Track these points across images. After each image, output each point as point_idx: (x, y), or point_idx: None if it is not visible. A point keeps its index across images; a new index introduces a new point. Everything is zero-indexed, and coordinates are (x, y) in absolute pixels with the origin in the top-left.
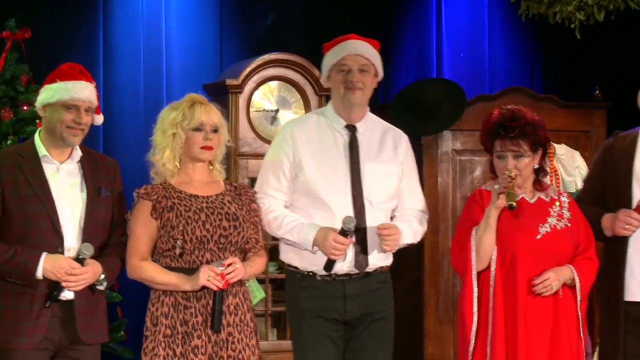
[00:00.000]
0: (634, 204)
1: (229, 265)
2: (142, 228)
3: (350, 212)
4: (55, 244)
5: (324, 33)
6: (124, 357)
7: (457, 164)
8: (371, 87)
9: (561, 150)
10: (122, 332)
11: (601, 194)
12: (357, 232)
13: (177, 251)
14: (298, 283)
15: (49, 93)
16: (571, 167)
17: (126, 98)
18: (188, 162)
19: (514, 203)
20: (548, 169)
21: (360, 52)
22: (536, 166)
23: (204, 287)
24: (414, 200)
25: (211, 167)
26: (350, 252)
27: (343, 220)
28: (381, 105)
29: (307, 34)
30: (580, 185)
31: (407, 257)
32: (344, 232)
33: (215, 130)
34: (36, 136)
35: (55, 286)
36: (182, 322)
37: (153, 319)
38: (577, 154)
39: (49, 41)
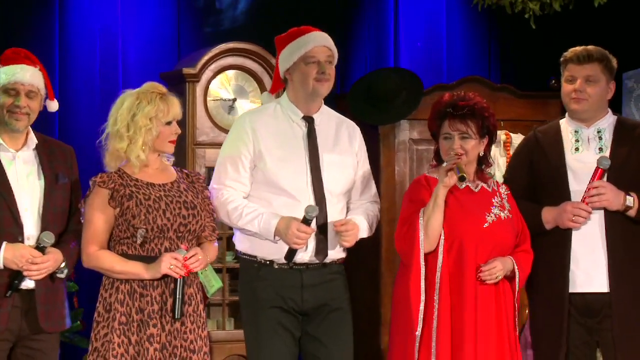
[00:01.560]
0: (573, 196)
1: (192, 255)
2: (100, 216)
3: (311, 201)
4: (15, 233)
5: (281, 22)
6: (80, 346)
7: (414, 153)
8: (334, 78)
9: (517, 139)
10: (79, 322)
11: (531, 189)
12: (318, 222)
13: (139, 240)
14: (255, 273)
15: None
16: None
17: (81, 86)
18: (151, 154)
19: (465, 174)
20: (492, 162)
21: (326, 43)
22: (481, 153)
23: (164, 275)
24: (368, 192)
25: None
26: (311, 242)
27: (306, 209)
28: (338, 95)
29: (265, 23)
30: None
31: (365, 247)
32: (306, 221)
33: (178, 122)
34: None
35: (16, 275)
36: (138, 310)
37: (106, 305)
38: None
39: (3, 29)
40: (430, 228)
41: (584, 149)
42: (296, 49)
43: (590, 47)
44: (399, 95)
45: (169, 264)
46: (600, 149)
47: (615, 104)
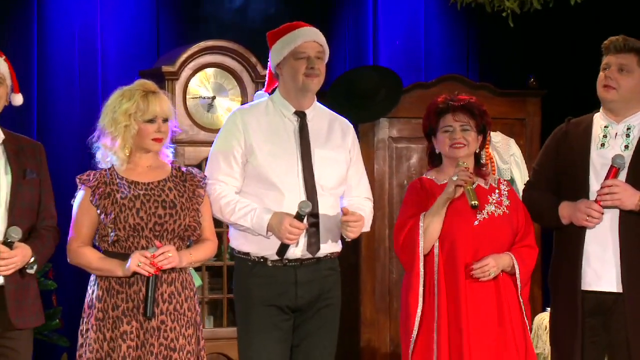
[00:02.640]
0: (591, 194)
1: (161, 253)
2: (82, 214)
3: (302, 196)
4: None
5: (260, 20)
6: (59, 345)
7: (393, 151)
8: (324, 74)
9: (496, 137)
10: (57, 320)
11: (554, 180)
12: (310, 216)
13: (110, 239)
14: (249, 271)
15: None
16: (506, 154)
17: (61, 83)
18: (137, 151)
19: (477, 202)
20: (483, 160)
21: (316, 39)
22: (477, 150)
23: (135, 273)
24: (362, 188)
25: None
26: (303, 237)
27: (299, 204)
28: (318, 92)
29: (244, 21)
30: (516, 172)
31: (344, 244)
32: (299, 217)
33: (166, 120)
34: None
35: None
36: (114, 307)
37: (89, 301)
38: (512, 142)
39: None
40: (428, 234)
41: (610, 144)
42: (286, 44)
43: (626, 37)
44: (379, 93)
45: (137, 261)
46: (627, 147)
47: None
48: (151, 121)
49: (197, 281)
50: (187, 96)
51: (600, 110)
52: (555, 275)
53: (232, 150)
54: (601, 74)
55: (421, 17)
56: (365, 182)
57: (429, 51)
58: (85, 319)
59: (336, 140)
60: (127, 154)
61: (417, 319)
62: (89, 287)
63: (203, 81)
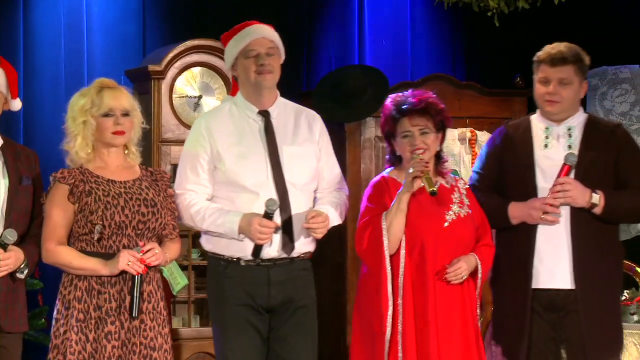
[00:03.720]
0: (539, 193)
1: (148, 250)
2: (59, 212)
3: (274, 196)
4: None
5: (247, 19)
6: (45, 344)
7: (380, 150)
8: (279, 70)
9: (483, 137)
10: (43, 320)
11: (499, 183)
12: (282, 216)
13: (96, 236)
14: (222, 271)
15: None
16: None
17: (47, 84)
18: (102, 148)
19: (435, 189)
20: (446, 157)
21: (266, 35)
22: (438, 148)
23: (122, 272)
24: (333, 179)
25: (126, 151)
26: (277, 236)
27: (266, 203)
28: (304, 92)
29: (230, 20)
30: None
31: (330, 243)
32: (267, 216)
33: (126, 114)
34: None
35: None
36: (96, 307)
37: (65, 302)
38: None
39: None
40: (392, 232)
41: (553, 145)
42: (236, 44)
43: (563, 47)
44: (365, 92)
45: (127, 260)
46: (569, 146)
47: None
48: (108, 115)
49: (184, 280)
50: (174, 95)
51: (538, 113)
52: (502, 275)
53: (199, 158)
54: (541, 87)
55: (407, 16)
56: (337, 172)
57: (416, 50)
58: (61, 320)
59: (303, 134)
60: (90, 151)
61: (389, 319)
62: (62, 289)
63: (189, 80)
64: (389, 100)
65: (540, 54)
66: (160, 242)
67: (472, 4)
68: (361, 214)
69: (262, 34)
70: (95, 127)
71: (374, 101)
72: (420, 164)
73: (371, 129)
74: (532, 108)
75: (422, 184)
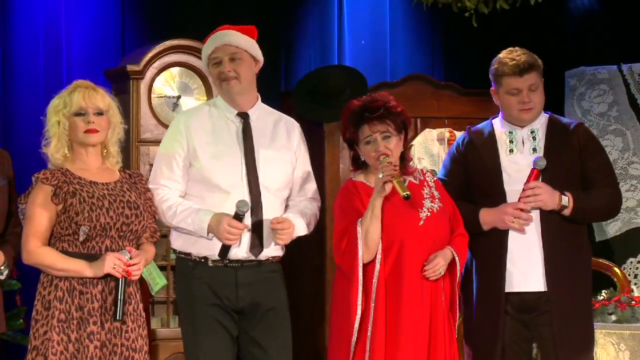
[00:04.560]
0: (508, 197)
1: (134, 264)
2: (42, 213)
3: (246, 198)
4: None
5: (226, 20)
6: (24, 344)
7: None
8: (248, 75)
9: None
10: (21, 320)
11: (465, 189)
12: (253, 218)
13: (81, 237)
14: (190, 271)
15: None
16: None
17: (25, 84)
18: (80, 148)
19: (408, 193)
20: (411, 156)
21: (228, 41)
22: (401, 149)
23: (106, 274)
24: (307, 189)
25: (105, 152)
26: (246, 237)
27: (237, 204)
28: (283, 92)
29: (209, 20)
30: None
31: (309, 244)
32: (237, 217)
33: (100, 113)
34: None
35: None
36: (78, 308)
37: (45, 303)
38: None
39: None
40: (370, 239)
41: (518, 150)
42: (204, 50)
43: (521, 54)
44: (344, 92)
45: (113, 263)
46: (534, 149)
47: (558, 102)
48: (79, 114)
49: (163, 280)
50: (152, 95)
51: (500, 117)
52: (474, 279)
53: (175, 154)
54: (511, 98)
55: (386, 16)
56: (311, 183)
57: (395, 51)
58: (41, 321)
59: (281, 141)
60: (67, 152)
61: (357, 324)
62: (42, 289)
63: (168, 80)
64: (347, 107)
65: (502, 66)
66: (139, 245)
67: (452, 5)
68: (335, 222)
69: (224, 41)
70: (68, 126)
71: None
72: (388, 168)
73: None
74: None
75: (393, 186)
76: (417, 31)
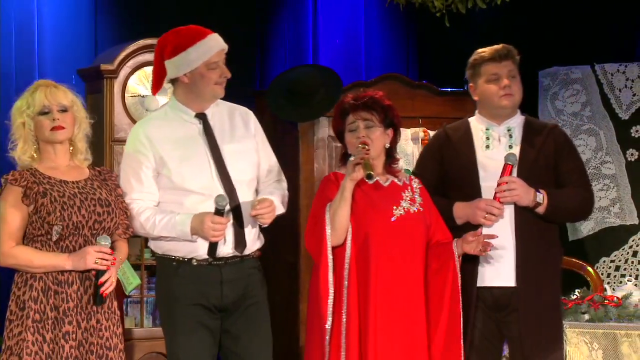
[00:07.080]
0: (483, 192)
1: (107, 279)
2: (14, 213)
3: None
4: None
5: (200, 19)
6: None
7: (333, 150)
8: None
9: None
10: None
11: (440, 184)
12: (232, 213)
13: (54, 237)
14: (173, 271)
15: None
16: None
17: None
18: (47, 147)
19: (372, 172)
20: (399, 156)
21: (224, 47)
22: (387, 145)
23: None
24: (272, 171)
25: (71, 149)
26: (230, 234)
27: (215, 199)
28: (257, 91)
29: (183, 19)
30: None
31: (283, 242)
32: (218, 212)
33: (64, 110)
34: None
35: None
36: (53, 308)
37: (19, 303)
38: None
39: None
40: (337, 221)
41: (495, 146)
42: (201, 53)
43: (500, 45)
44: (318, 92)
45: (95, 258)
46: (510, 147)
47: (531, 102)
48: (44, 113)
49: (136, 280)
50: (126, 94)
51: (477, 114)
52: None
53: (142, 166)
54: (492, 86)
55: (361, 16)
56: (274, 162)
57: (369, 50)
58: (15, 322)
59: (240, 131)
60: (34, 153)
61: (329, 308)
62: (16, 289)
63: (142, 79)
64: (339, 102)
65: (484, 54)
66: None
67: (429, 6)
68: (311, 210)
69: (221, 46)
70: (34, 126)
71: (327, 101)
72: (359, 151)
73: (324, 129)
74: None
75: (363, 174)
76: (392, 31)
